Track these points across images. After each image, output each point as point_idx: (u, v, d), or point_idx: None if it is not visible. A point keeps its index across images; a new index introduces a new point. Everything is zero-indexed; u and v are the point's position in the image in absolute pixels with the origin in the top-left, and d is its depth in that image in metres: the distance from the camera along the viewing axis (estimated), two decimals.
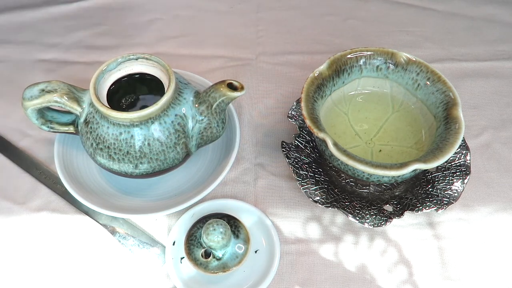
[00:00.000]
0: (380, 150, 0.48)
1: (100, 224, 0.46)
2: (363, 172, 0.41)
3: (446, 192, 0.45)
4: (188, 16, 0.68)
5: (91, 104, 0.42)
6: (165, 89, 0.43)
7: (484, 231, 0.47)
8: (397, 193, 0.47)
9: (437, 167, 0.48)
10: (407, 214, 0.45)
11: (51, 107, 0.45)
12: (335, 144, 0.40)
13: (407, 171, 0.39)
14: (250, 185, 0.50)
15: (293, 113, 0.51)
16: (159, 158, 0.42)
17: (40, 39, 0.64)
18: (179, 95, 0.43)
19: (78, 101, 0.42)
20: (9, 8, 0.67)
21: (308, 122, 0.42)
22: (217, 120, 0.43)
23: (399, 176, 0.41)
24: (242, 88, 0.42)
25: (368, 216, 0.44)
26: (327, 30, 0.66)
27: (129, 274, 0.44)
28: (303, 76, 0.59)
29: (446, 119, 0.44)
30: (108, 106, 0.41)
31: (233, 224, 0.43)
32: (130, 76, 0.45)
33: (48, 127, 0.45)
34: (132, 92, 0.45)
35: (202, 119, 0.43)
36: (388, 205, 0.46)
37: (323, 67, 0.46)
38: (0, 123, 0.55)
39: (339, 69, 0.47)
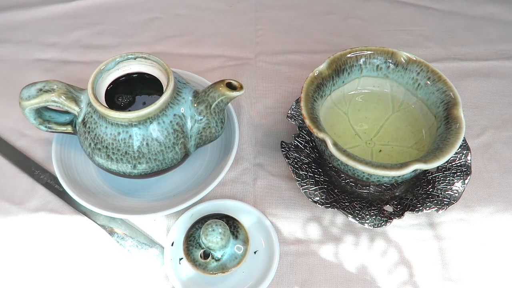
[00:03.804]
0: (380, 150, 0.48)
1: (98, 224, 0.46)
2: (363, 173, 0.41)
3: (446, 193, 0.45)
4: (187, 15, 0.68)
5: (89, 104, 0.42)
6: (164, 88, 0.42)
7: (485, 232, 0.46)
8: (397, 194, 0.47)
9: (438, 167, 0.47)
10: (408, 215, 0.45)
11: (49, 107, 0.45)
12: (335, 144, 0.40)
13: (407, 171, 0.38)
14: (249, 185, 0.49)
15: (292, 112, 0.51)
16: (157, 158, 0.42)
17: (38, 39, 0.64)
18: (177, 94, 0.42)
19: (76, 100, 0.42)
20: (6, 7, 0.67)
21: (307, 122, 0.41)
22: (216, 120, 0.43)
23: (399, 176, 0.40)
24: (241, 87, 0.42)
25: (368, 216, 0.43)
26: (326, 29, 0.66)
27: (128, 275, 0.44)
28: (302, 75, 0.59)
29: (447, 119, 0.43)
30: (106, 106, 0.41)
31: (232, 224, 0.43)
32: (129, 76, 0.44)
33: (46, 127, 0.45)
34: (130, 91, 0.45)
35: (201, 119, 0.43)
36: (388, 205, 0.45)
37: (322, 67, 0.46)
38: None
39: (339, 68, 0.47)
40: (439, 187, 0.46)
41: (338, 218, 0.47)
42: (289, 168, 0.47)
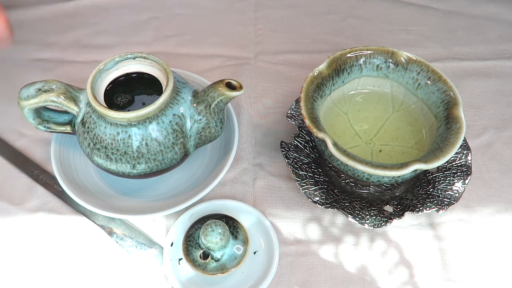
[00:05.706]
0: (380, 150, 0.48)
1: (98, 225, 0.46)
2: (363, 173, 0.41)
3: (447, 193, 0.45)
4: (186, 14, 0.68)
5: (88, 104, 0.42)
6: (163, 88, 0.42)
7: (486, 232, 0.46)
8: (397, 194, 0.47)
9: (438, 167, 0.47)
10: (408, 215, 0.45)
11: (48, 106, 0.45)
12: (335, 144, 0.40)
13: (407, 171, 0.38)
14: (249, 185, 0.49)
15: (292, 112, 0.51)
16: (157, 158, 0.42)
17: (37, 38, 0.63)
18: (177, 94, 0.42)
19: (75, 100, 0.42)
20: (5, 7, 0.67)
21: (307, 122, 0.41)
22: (215, 119, 0.43)
23: (399, 176, 0.40)
24: (240, 87, 0.42)
25: (368, 217, 0.43)
26: (326, 29, 0.66)
27: (127, 276, 0.44)
28: (302, 75, 0.59)
29: (447, 118, 0.43)
30: (106, 106, 0.41)
31: (231, 225, 0.42)
32: (128, 76, 0.44)
33: (44, 127, 0.45)
34: (129, 91, 0.45)
35: (200, 119, 0.42)
36: (388, 205, 0.45)
37: (322, 66, 0.46)
38: None
39: (339, 68, 0.47)
40: (439, 187, 0.46)
41: (338, 218, 0.47)
42: (288, 168, 0.47)
